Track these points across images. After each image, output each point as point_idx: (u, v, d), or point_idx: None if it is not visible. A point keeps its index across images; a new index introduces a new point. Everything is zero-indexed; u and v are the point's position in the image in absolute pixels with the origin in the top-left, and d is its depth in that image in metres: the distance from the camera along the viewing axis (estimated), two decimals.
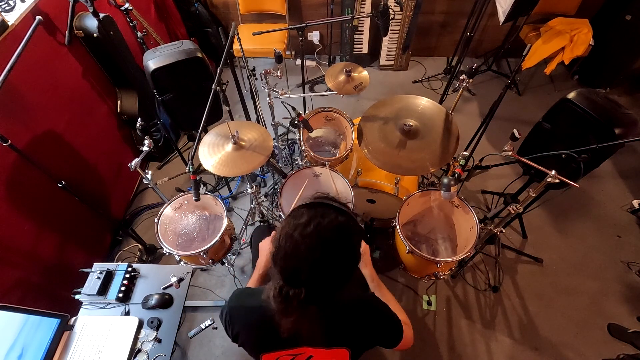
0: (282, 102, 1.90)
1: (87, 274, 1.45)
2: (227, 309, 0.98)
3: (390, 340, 0.98)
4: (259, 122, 2.34)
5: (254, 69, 2.08)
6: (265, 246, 1.23)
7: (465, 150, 1.69)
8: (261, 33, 1.75)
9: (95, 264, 1.48)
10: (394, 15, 2.93)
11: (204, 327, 1.40)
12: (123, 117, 2.34)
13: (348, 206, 0.84)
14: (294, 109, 1.59)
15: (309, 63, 3.47)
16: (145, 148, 1.53)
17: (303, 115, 1.63)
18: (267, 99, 1.92)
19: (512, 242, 2.28)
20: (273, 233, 1.20)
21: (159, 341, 1.31)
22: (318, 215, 0.76)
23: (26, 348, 1.17)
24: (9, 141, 1.35)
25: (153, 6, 2.75)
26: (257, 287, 1.13)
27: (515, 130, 1.41)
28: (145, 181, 1.60)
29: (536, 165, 1.37)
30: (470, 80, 1.66)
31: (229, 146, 1.47)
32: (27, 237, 1.68)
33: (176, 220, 1.67)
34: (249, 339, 0.95)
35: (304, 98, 2.37)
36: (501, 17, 2.36)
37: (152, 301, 1.38)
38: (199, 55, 1.84)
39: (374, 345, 0.97)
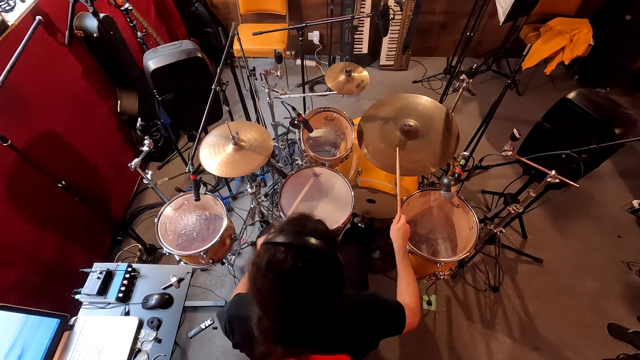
0: (282, 102, 1.89)
1: (87, 274, 1.45)
2: (226, 316, 0.97)
3: (393, 332, 0.99)
4: (259, 122, 2.34)
5: (254, 69, 2.08)
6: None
7: (465, 150, 1.69)
8: (261, 33, 1.75)
9: (95, 264, 1.48)
10: (394, 15, 2.93)
11: (204, 327, 1.40)
12: (123, 117, 2.34)
13: (325, 231, 0.78)
14: (294, 109, 1.59)
15: (309, 63, 3.47)
16: (145, 148, 1.54)
17: (303, 115, 1.63)
18: (267, 99, 1.92)
19: (512, 242, 2.28)
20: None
21: (159, 341, 1.31)
22: (278, 258, 0.69)
23: (26, 348, 1.17)
24: (9, 141, 1.35)
25: (153, 6, 2.75)
26: None
27: (515, 130, 1.41)
28: (145, 181, 1.60)
29: (536, 165, 1.37)
30: (470, 80, 1.66)
31: (230, 147, 1.47)
32: (27, 237, 1.68)
33: (176, 220, 1.67)
34: (249, 348, 0.94)
35: (304, 98, 2.37)
36: (501, 17, 2.36)
37: (152, 301, 1.38)
38: (199, 55, 1.84)
39: (378, 343, 0.96)
